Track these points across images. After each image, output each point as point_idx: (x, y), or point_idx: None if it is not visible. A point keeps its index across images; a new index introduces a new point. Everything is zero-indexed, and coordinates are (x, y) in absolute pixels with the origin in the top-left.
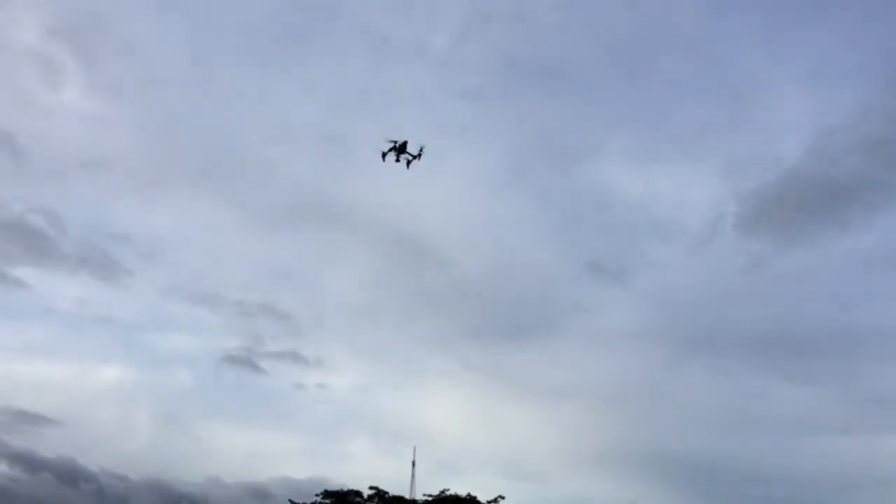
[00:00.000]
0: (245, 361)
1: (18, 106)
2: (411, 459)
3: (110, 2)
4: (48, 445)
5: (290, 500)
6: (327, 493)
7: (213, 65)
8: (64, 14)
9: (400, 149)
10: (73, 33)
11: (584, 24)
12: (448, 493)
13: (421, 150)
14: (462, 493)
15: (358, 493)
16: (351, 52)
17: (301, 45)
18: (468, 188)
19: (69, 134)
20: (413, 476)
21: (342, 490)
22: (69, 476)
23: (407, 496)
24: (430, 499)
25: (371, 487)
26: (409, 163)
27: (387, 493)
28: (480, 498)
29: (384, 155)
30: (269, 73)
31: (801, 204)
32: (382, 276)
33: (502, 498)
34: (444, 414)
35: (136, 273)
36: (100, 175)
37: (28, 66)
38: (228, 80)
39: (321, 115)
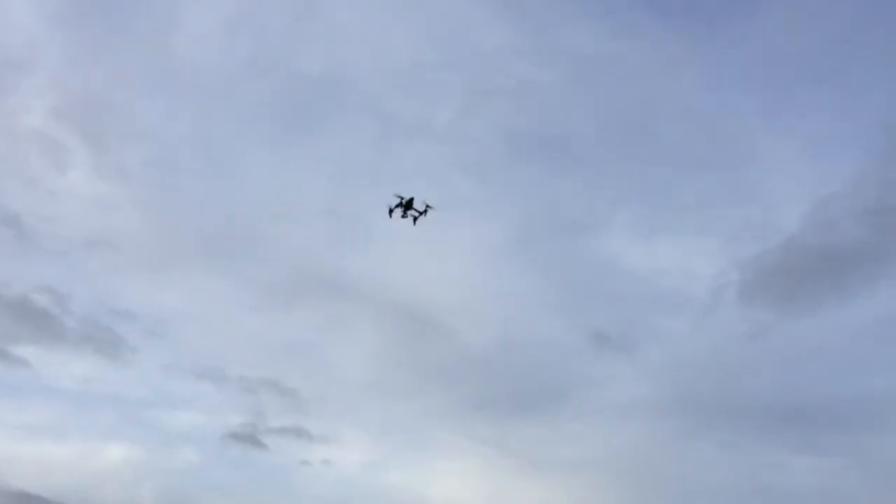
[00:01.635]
0: (249, 438)
1: (25, 187)
2: None
3: (117, 85)
4: None
5: None
6: None
7: (219, 144)
8: (70, 97)
9: (406, 205)
10: (79, 116)
11: (585, 98)
12: None
13: (427, 207)
14: None
15: None
16: (356, 128)
17: (306, 122)
18: (473, 261)
19: (74, 214)
20: None
21: None
22: None
23: None
24: None
25: None
26: (415, 219)
27: None
28: None
29: (391, 211)
30: (274, 151)
31: (802, 272)
32: (388, 350)
33: None
34: (452, 488)
35: (140, 350)
36: (104, 254)
37: (35, 148)
38: (234, 159)
39: (327, 191)
